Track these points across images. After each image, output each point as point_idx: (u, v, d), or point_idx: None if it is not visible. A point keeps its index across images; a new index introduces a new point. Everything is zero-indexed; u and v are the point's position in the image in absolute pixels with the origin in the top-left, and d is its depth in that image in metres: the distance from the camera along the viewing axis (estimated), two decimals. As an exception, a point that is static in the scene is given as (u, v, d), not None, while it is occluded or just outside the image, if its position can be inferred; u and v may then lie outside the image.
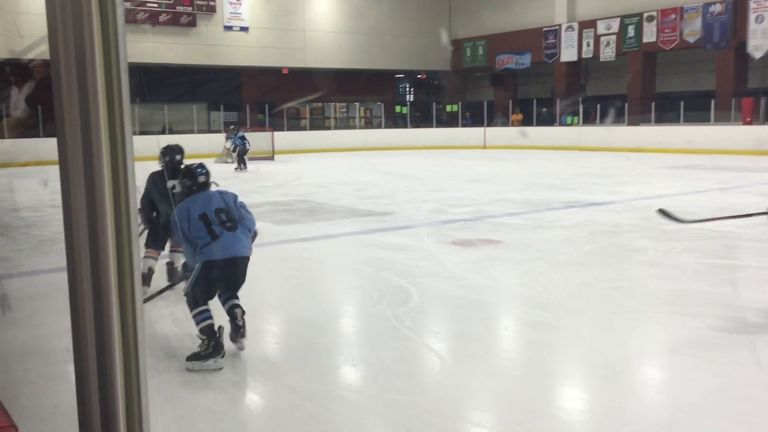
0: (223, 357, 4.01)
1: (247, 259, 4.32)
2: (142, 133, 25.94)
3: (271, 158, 23.43)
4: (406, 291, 5.64)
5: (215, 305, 4.28)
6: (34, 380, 3.86)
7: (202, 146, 25.03)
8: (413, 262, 6.86)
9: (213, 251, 4.13)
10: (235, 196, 4.56)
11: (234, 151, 19.65)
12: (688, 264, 6.64)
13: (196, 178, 4.51)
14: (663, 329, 4.77)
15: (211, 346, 4.01)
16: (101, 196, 0.54)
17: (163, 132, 26.40)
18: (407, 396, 3.58)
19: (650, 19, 26.03)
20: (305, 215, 10.19)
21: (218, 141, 23.85)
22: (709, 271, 6.39)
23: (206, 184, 4.51)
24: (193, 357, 4.01)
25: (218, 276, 4.21)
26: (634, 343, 4.46)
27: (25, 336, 4.64)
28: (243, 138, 19.73)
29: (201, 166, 4.64)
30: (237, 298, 4.36)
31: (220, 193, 4.52)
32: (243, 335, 4.23)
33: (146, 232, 5.77)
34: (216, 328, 4.09)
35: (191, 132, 26.84)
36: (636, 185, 13.54)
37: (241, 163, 19.21)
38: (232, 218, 4.31)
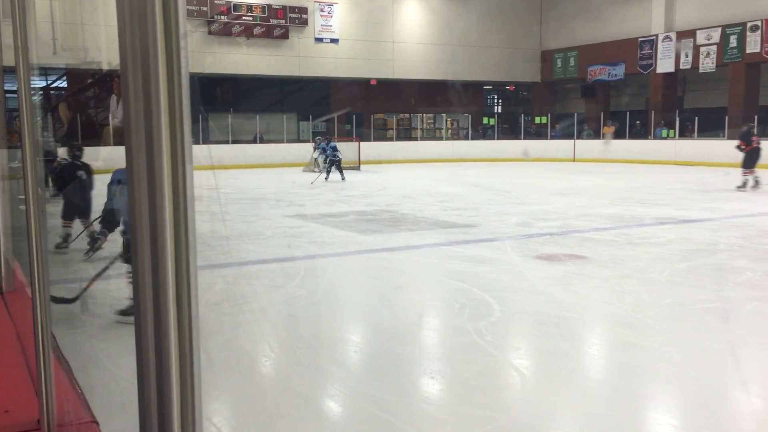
0: None
1: None
2: (234, 142, 26.84)
3: (357, 168, 23.71)
4: (487, 304, 5.56)
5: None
6: (126, 377, 4.02)
7: (291, 155, 25.66)
8: (496, 275, 6.76)
9: None
10: None
11: (325, 162, 19.61)
12: (791, 287, 6.25)
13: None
14: (760, 355, 4.50)
15: None
16: (161, 201, 0.56)
17: (254, 141, 27.20)
18: (484, 412, 3.52)
19: (754, 28, 24.82)
20: (389, 225, 10.23)
21: (306, 150, 24.36)
22: (814, 295, 6.00)
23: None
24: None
25: None
26: (728, 368, 4.23)
27: (120, 335, 4.84)
28: (334, 148, 19.36)
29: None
30: None
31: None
32: None
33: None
34: None
35: (281, 141, 27.52)
36: (735, 202, 12.90)
37: (330, 172, 18.83)
38: None
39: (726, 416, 3.59)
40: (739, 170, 14.93)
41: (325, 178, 18.56)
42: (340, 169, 18.85)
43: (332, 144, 19.63)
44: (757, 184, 14.53)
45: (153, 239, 0.58)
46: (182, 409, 0.61)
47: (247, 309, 5.66)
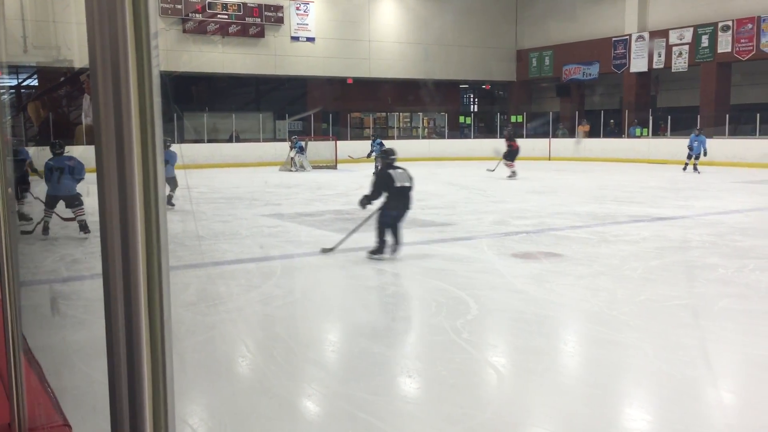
0: None
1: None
2: (210, 141, 26.64)
3: (334, 167, 23.67)
4: (464, 303, 5.59)
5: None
6: (101, 380, 3.98)
7: (267, 154, 25.54)
8: (473, 273, 6.79)
9: None
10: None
11: (369, 156, 21.07)
12: (761, 283, 6.36)
13: None
14: (732, 350, 4.57)
15: None
16: (132, 201, 0.55)
17: (230, 140, 27.03)
18: (462, 409, 3.53)
19: (725, 28, 25.20)
20: (367, 225, 10.21)
21: (283, 149, 24.26)
22: (784, 291, 6.10)
23: None
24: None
25: None
26: (701, 363, 4.29)
27: (94, 336, 4.78)
28: (381, 144, 20.74)
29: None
30: None
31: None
32: None
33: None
34: None
35: (257, 140, 27.39)
36: (707, 200, 13.09)
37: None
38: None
39: (699, 411, 3.64)
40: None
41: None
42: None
43: (378, 141, 21.86)
44: (513, 174, 18.54)
45: (124, 240, 0.57)
46: (155, 411, 0.61)
47: (223, 309, 5.62)
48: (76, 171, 9.07)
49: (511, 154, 19.01)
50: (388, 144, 20.58)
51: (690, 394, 3.82)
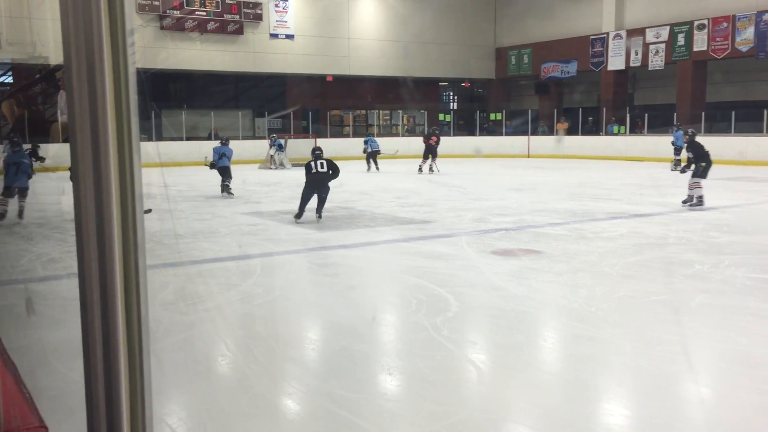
0: None
1: None
2: (189, 138, 26.43)
3: (314, 165, 23.57)
4: (444, 300, 5.60)
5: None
6: (79, 380, 3.93)
7: (246, 152, 25.39)
8: (453, 271, 6.81)
9: None
10: None
11: (365, 151, 21.63)
12: (737, 278, 6.44)
13: None
14: (709, 345, 4.63)
15: None
16: (108, 198, 0.55)
17: (209, 138, 26.85)
18: (443, 407, 3.54)
19: (701, 27, 25.49)
20: (346, 222, 10.22)
21: (262, 147, 24.13)
22: (758, 287, 6.19)
23: None
24: None
25: None
26: (678, 358, 4.34)
27: (72, 336, 4.73)
28: (370, 141, 21.81)
29: None
30: None
31: None
32: None
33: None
34: None
35: (236, 138, 27.24)
36: (683, 197, 13.21)
37: (374, 163, 21.18)
38: None
39: (676, 406, 3.68)
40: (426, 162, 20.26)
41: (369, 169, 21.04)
42: (376, 161, 21.32)
43: (369, 137, 22.51)
44: (431, 170, 20.18)
45: (100, 239, 0.56)
46: (132, 412, 0.60)
47: (202, 308, 5.59)
48: (27, 167, 10.48)
49: (430, 150, 20.50)
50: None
51: (668, 389, 3.86)
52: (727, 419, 3.46)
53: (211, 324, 5.14)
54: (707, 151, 11.39)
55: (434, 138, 20.58)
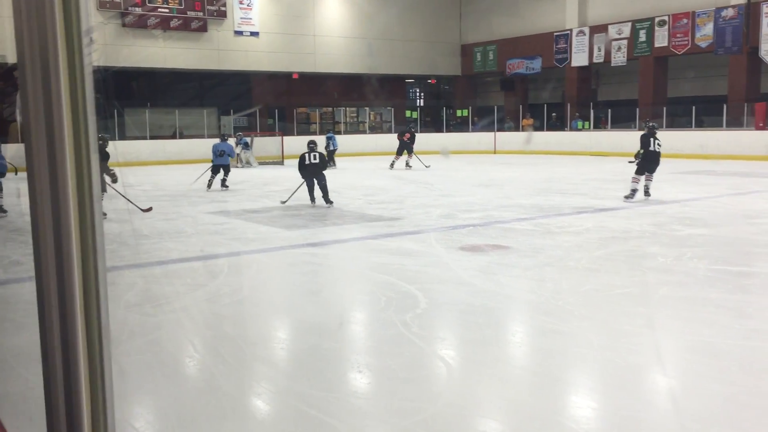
0: None
1: None
2: (153, 137, 26.08)
3: (281, 163, 23.47)
4: (413, 297, 5.61)
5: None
6: (41, 384, 3.85)
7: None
8: (421, 267, 6.83)
9: None
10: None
11: (325, 149, 21.58)
12: (699, 270, 6.57)
13: None
14: (673, 336, 4.72)
15: None
16: (65, 198, 0.53)
17: (173, 136, 26.52)
18: (413, 403, 3.55)
19: (662, 23, 25.93)
20: (314, 220, 10.18)
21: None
22: (720, 278, 6.32)
23: None
24: None
25: None
26: (643, 350, 4.41)
27: (34, 341, 4.63)
28: (331, 138, 21.99)
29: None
30: None
31: None
32: None
33: None
34: None
35: (201, 136, 26.95)
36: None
37: (330, 161, 20.87)
38: None
39: (642, 397, 3.74)
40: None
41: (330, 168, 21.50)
42: (333, 159, 21.34)
43: (330, 134, 22.67)
44: (407, 165, 20.90)
45: (57, 242, 0.54)
46: (93, 416, 0.58)
47: (168, 309, 5.52)
48: None
49: (404, 146, 21.10)
50: (339, 138, 22.10)
51: (634, 381, 3.92)
52: (692, 409, 3.52)
53: (178, 325, 5.08)
54: (648, 146, 11.68)
55: (408, 135, 21.10)
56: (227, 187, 14.69)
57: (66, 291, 0.55)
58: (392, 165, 20.97)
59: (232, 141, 17.33)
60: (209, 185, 14.59)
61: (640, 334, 4.73)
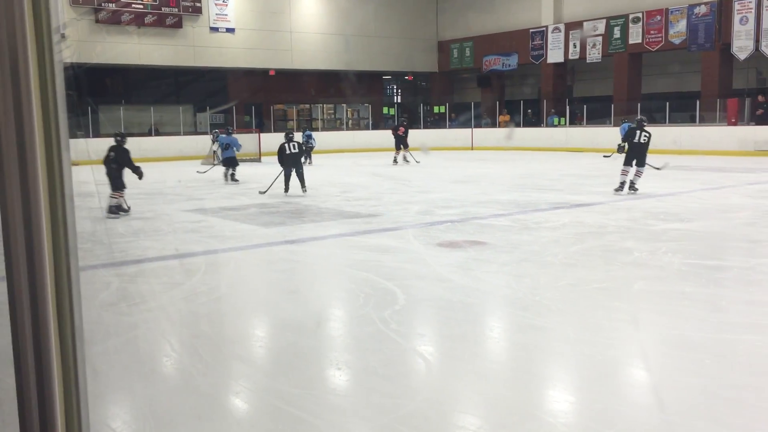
0: None
1: None
2: (128, 135, 25.76)
3: (258, 160, 23.35)
4: (392, 293, 5.62)
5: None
6: (13, 386, 3.79)
7: (188, 148, 24.95)
8: (400, 264, 6.83)
9: None
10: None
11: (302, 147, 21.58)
12: (674, 265, 6.65)
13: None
14: (648, 330, 4.77)
15: None
16: (36, 197, 0.52)
17: (149, 133, 26.26)
18: (392, 399, 3.55)
19: (636, 20, 26.18)
20: (292, 217, 10.14)
21: (204, 143, 23.73)
22: (694, 272, 6.41)
23: None
24: None
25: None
26: (619, 344, 4.45)
27: (6, 342, 4.57)
28: (309, 136, 22.07)
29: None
30: None
31: None
32: None
33: None
34: None
35: (177, 133, 26.72)
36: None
37: (308, 158, 20.95)
38: None
39: (619, 391, 3.78)
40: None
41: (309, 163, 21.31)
42: (310, 156, 21.49)
43: (307, 132, 22.81)
44: (405, 159, 21.24)
45: (28, 241, 0.53)
46: (67, 417, 0.58)
47: (145, 308, 5.47)
48: None
49: (400, 140, 21.35)
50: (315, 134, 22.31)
51: (610, 374, 3.96)
52: (668, 401, 3.57)
53: (154, 324, 5.03)
54: (633, 138, 12.07)
55: (402, 128, 21.35)
56: (237, 180, 15.35)
57: (38, 291, 0.54)
58: (395, 160, 21.06)
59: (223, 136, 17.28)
60: (228, 178, 15.46)
61: (617, 328, 4.78)
